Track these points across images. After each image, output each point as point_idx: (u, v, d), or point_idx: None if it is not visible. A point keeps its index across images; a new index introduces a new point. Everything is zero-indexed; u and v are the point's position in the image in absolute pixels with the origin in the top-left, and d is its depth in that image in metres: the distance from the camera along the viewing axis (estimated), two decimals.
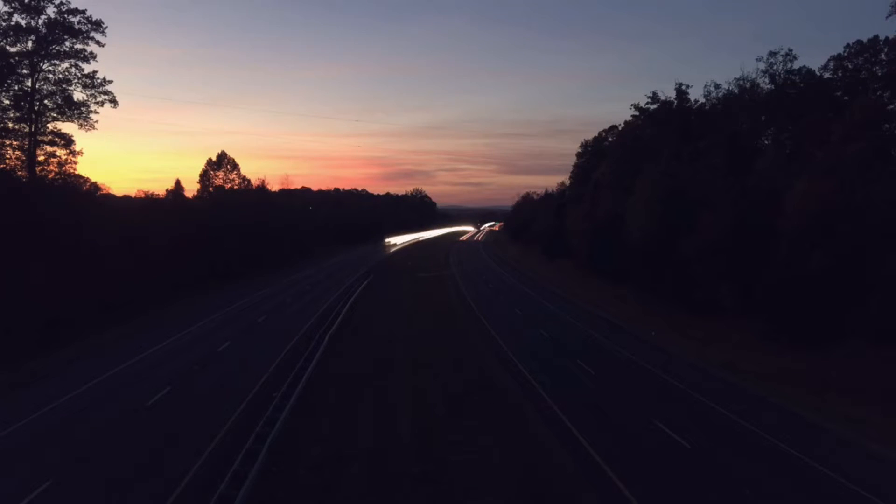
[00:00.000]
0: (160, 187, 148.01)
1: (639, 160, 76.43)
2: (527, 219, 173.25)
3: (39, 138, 54.59)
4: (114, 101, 58.44)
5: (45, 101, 55.22)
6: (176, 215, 74.81)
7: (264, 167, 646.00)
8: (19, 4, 52.64)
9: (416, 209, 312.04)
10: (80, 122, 57.12)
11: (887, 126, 50.61)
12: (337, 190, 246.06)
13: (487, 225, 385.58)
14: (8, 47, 52.90)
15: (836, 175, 43.50)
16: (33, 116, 54.01)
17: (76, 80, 56.34)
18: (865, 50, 57.27)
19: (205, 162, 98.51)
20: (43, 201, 48.13)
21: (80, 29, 55.26)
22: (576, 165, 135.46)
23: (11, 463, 23.33)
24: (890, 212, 37.69)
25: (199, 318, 53.63)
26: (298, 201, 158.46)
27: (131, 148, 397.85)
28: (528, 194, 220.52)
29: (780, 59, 64.99)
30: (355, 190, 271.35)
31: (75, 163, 56.43)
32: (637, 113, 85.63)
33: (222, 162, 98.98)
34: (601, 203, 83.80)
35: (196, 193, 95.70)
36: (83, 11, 55.29)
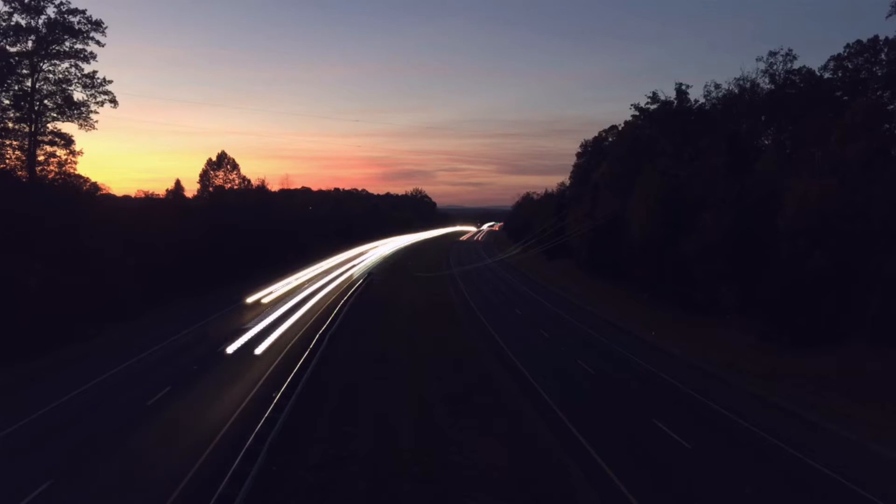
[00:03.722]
0: (160, 187, 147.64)
1: (639, 160, 76.45)
2: (527, 219, 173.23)
3: (39, 138, 54.55)
4: (114, 101, 58.41)
5: (45, 101, 55.19)
6: (176, 215, 74.71)
7: (264, 167, 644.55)
8: (19, 4, 52.61)
9: (416, 209, 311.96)
10: (80, 122, 57.07)
11: (887, 126, 50.60)
12: (337, 190, 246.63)
13: (487, 225, 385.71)
14: (8, 47, 52.87)
15: (836, 175, 43.49)
16: (33, 116, 53.97)
17: (76, 80, 56.31)
18: (865, 50, 57.31)
19: (205, 162, 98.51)
20: (42, 201, 48.07)
21: (80, 29, 55.21)
22: (576, 165, 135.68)
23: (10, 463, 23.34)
24: (890, 212, 37.65)
25: (200, 318, 53.58)
26: (299, 201, 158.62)
27: (131, 148, 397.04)
28: (528, 194, 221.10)
29: (780, 59, 65.11)
30: (355, 190, 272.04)
31: (75, 163, 56.41)
32: (637, 113, 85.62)
33: (222, 162, 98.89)
34: (601, 203, 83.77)
35: (196, 193, 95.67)
36: (83, 11, 55.25)
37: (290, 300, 58.57)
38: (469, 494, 21.29)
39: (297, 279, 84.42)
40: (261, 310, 55.65)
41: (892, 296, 36.25)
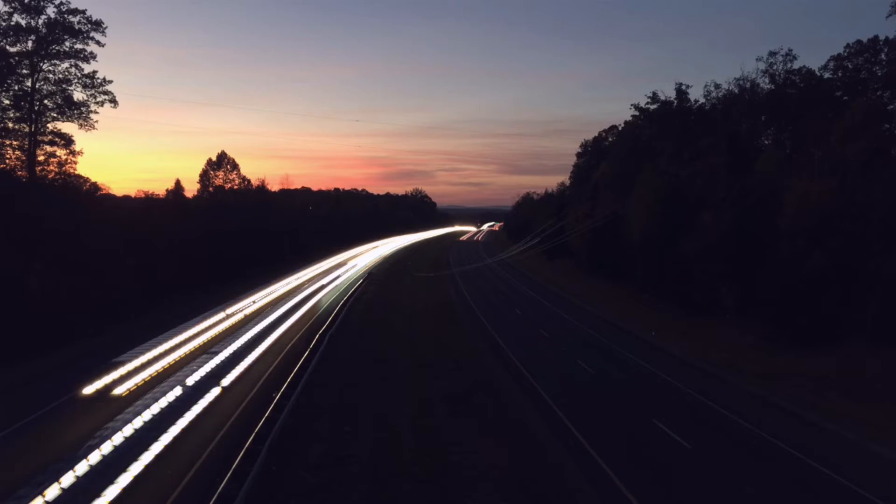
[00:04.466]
0: (160, 187, 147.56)
1: (639, 160, 76.43)
2: (527, 219, 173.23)
3: (39, 138, 54.53)
4: (114, 101, 58.37)
5: (45, 101, 55.16)
6: (176, 215, 74.77)
7: (264, 167, 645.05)
8: (19, 4, 52.59)
9: (416, 209, 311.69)
10: (80, 122, 57.03)
11: (887, 126, 50.58)
12: (337, 190, 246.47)
13: (487, 225, 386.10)
14: (8, 47, 52.85)
15: (836, 175, 43.48)
16: (33, 116, 53.95)
17: (76, 80, 56.27)
18: (865, 50, 57.29)
19: (205, 162, 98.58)
20: (43, 201, 48.08)
21: (80, 29, 55.19)
22: (576, 165, 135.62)
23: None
24: (890, 212, 37.64)
25: (198, 320, 53.55)
26: (299, 201, 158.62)
27: (131, 148, 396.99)
28: (528, 194, 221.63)
29: (780, 59, 65.08)
30: (355, 190, 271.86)
31: (75, 163, 56.39)
32: (637, 113, 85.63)
33: (222, 162, 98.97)
34: (601, 203, 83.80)
35: (196, 193, 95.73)
36: (83, 11, 55.22)
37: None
38: (469, 494, 21.28)
39: (289, 283, 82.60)
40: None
41: (892, 296, 36.22)
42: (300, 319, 55.48)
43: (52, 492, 20.22)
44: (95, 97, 57.49)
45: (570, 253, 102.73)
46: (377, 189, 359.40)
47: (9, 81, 52.36)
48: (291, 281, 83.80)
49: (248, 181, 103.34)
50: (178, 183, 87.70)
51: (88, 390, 32.24)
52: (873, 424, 28.06)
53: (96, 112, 57.55)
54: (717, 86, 73.50)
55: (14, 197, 46.20)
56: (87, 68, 56.60)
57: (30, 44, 53.55)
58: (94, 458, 23.07)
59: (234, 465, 21.56)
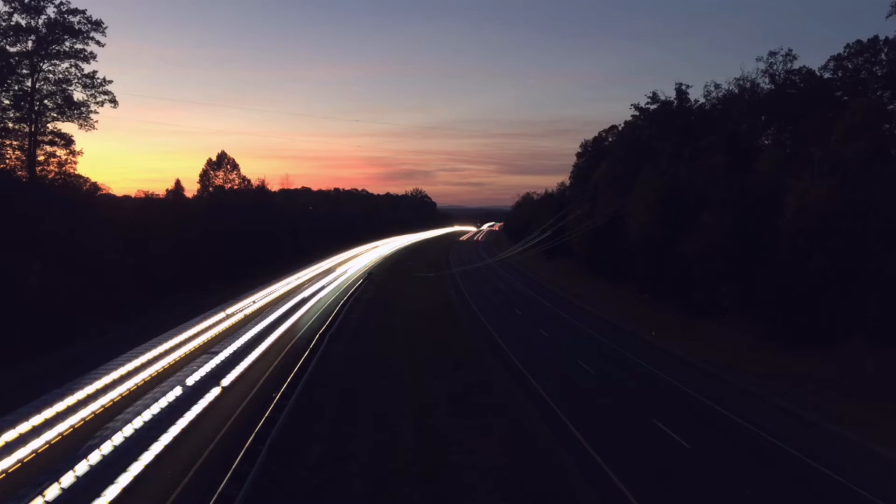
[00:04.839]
0: (160, 187, 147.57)
1: (639, 160, 76.41)
2: (527, 219, 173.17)
3: (39, 138, 54.65)
4: (114, 101, 58.54)
5: (45, 101, 55.29)
6: (176, 215, 74.81)
7: (264, 167, 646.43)
8: (19, 4, 52.68)
9: (416, 209, 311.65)
10: (80, 122, 57.19)
11: (887, 126, 50.60)
12: (337, 190, 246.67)
13: (487, 225, 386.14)
14: (8, 47, 52.96)
15: (836, 175, 43.48)
16: (33, 116, 54.05)
17: (76, 80, 56.44)
18: (865, 50, 57.33)
19: (205, 162, 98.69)
20: (43, 201, 48.10)
21: (80, 29, 55.30)
22: (576, 165, 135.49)
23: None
24: (890, 212, 37.64)
25: (199, 320, 53.57)
26: (299, 201, 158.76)
27: (131, 148, 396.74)
28: (528, 194, 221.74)
29: (780, 59, 65.12)
30: (355, 190, 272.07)
31: (75, 163, 56.62)
32: (637, 113, 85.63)
33: (222, 162, 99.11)
34: (601, 203, 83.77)
35: (196, 193, 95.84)
36: (83, 11, 55.40)
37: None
38: (469, 494, 21.28)
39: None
40: None
41: (893, 296, 36.22)
42: (300, 319, 55.52)
43: (52, 492, 20.22)
44: (95, 97, 57.69)
45: (570, 253, 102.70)
46: (377, 189, 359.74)
47: (9, 81, 52.47)
48: (291, 281, 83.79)
49: (248, 181, 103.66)
50: (178, 183, 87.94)
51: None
52: (873, 424, 28.05)
53: (96, 112, 57.79)
54: (717, 86, 73.61)
55: (14, 197, 46.21)
56: (87, 68, 56.81)
57: (30, 44, 53.70)
58: (94, 458, 23.07)
59: (233, 466, 21.57)
